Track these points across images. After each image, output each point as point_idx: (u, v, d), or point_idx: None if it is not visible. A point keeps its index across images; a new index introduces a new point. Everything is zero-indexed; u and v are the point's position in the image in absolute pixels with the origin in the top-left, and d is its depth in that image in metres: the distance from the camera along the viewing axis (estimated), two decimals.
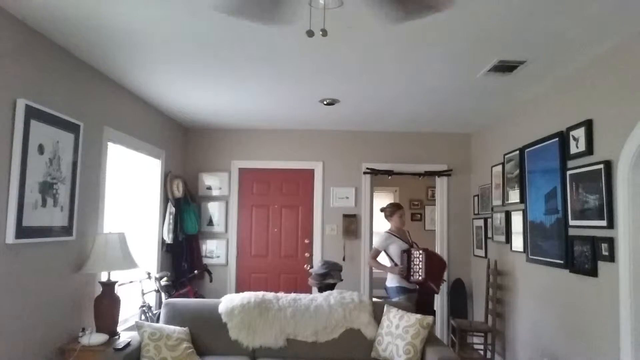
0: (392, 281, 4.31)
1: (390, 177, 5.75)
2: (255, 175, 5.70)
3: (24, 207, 2.65)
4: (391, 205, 4.50)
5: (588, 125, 3.13)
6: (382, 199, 8.89)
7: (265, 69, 3.49)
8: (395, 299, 4.11)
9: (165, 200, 4.91)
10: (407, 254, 4.18)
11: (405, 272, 4.13)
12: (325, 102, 4.37)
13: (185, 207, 5.18)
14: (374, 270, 5.20)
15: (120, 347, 2.90)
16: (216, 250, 5.55)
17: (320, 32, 2.16)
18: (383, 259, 4.41)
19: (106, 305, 3.25)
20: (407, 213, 8.95)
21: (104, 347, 3.03)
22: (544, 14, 2.52)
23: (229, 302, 3.45)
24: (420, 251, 4.14)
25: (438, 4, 2.41)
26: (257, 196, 5.69)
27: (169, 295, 4.32)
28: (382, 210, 4.55)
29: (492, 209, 4.87)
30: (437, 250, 5.70)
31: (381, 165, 5.60)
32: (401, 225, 4.43)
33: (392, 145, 5.69)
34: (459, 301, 5.40)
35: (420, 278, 4.07)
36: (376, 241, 4.48)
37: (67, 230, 3.09)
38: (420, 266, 4.09)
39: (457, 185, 5.64)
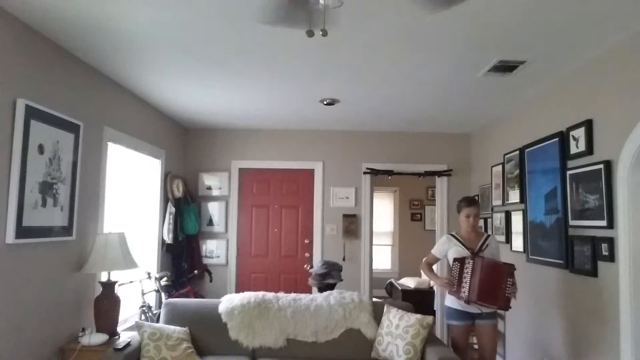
0: (446, 299, 3.49)
1: (390, 177, 5.75)
2: (255, 175, 5.70)
3: (24, 207, 2.65)
4: (461, 199, 3.57)
5: (588, 125, 3.13)
6: (382, 199, 8.90)
7: (265, 69, 3.49)
8: (449, 322, 3.47)
9: (165, 200, 4.91)
10: (459, 263, 3.28)
11: (454, 287, 3.26)
12: (325, 102, 4.37)
13: (185, 207, 5.18)
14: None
15: (120, 347, 2.90)
16: (216, 250, 5.55)
17: (320, 32, 2.16)
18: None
19: (106, 305, 3.25)
20: (407, 213, 8.96)
21: (104, 347, 3.03)
22: (544, 13, 2.52)
23: (229, 302, 3.46)
24: (470, 260, 3.24)
25: None
26: (257, 196, 5.69)
27: (169, 295, 4.32)
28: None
29: (492, 209, 4.87)
30: None
31: (381, 165, 5.61)
32: (468, 226, 3.44)
33: (392, 145, 5.69)
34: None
35: (464, 295, 3.19)
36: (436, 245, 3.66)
37: (67, 230, 3.09)
38: (468, 279, 3.19)
39: (457, 185, 5.64)
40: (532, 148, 3.94)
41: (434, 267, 3.70)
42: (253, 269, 5.62)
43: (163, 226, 4.84)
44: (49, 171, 2.88)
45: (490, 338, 3.36)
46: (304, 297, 3.56)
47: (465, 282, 3.19)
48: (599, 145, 3.04)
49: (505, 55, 3.13)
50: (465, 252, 3.36)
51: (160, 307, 3.70)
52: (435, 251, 3.58)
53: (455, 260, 3.33)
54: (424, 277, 7.23)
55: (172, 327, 3.21)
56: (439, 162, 5.67)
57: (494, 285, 3.14)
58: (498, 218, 4.66)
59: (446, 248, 3.49)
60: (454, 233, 3.55)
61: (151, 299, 4.48)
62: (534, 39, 2.86)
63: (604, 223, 2.90)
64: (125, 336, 3.22)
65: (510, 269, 3.18)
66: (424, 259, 3.65)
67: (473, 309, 3.30)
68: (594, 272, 3.01)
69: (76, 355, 3.01)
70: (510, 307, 3.16)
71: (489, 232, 4.94)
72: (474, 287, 3.15)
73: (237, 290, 5.42)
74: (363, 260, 5.54)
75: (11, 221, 2.55)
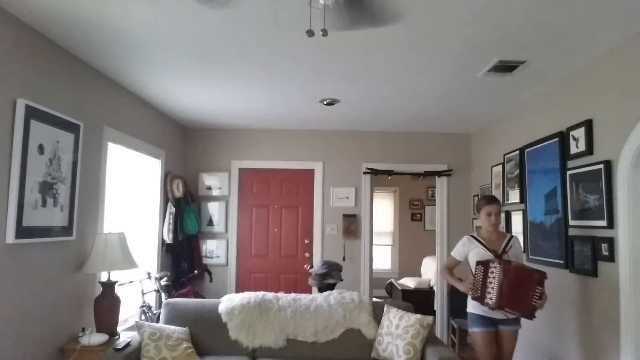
0: (468, 305, 3.28)
1: (390, 177, 5.75)
2: (255, 175, 5.70)
3: (24, 207, 2.64)
4: (481, 198, 3.33)
5: (588, 125, 3.13)
6: (382, 199, 8.90)
7: (265, 69, 3.49)
8: (471, 330, 3.25)
9: (165, 200, 4.91)
10: (482, 266, 3.08)
11: (478, 292, 3.06)
12: (325, 102, 4.37)
13: (185, 207, 5.18)
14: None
15: (120, 347, 2.90)
16: (216, 250, 5.55)
17: (321, 32, 2.17)
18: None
19: (106, 305, 3.25)
20: (407, 213, 8.96)
21: (104, 347, 3.03)
22: (544, 14, 2.52)
23: (229, 302, 3.46)
24: (496, 264, 3.02)
25: (383, 19, 2.50)
26: (257, 196, 5.69)
27: (169, 295, 4.32)
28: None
29: None
30: (437, 251, 5.68)
31: (381, 165, 5.60)
32: (490, 225, 3.24)
33: (392, 145, 5.69)
34: (459, 301, 5.39)
35: (491, 302, 2.99)
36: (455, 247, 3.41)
37: (67, 230, 3.09)
38: (494, 285, 2.98)
39: (457, 185, 5.64)
40: (532, 148, 3.94)
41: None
42: (253, 269, 5.62)
43: (163, 226, 4.84)
44: (49, 171, 2.88)
45: (511, 344, 3.20)
46: (304, 297, 3.56)
47: (492, 288, 2.99)
48: (599, 145, 3.04)
49: (505, 55, 3.13)
50: (487, 254, 3.15)
51: (160, 307, 3.70)
52: (455, 253, 3.34)
53: (478, 263, 3.11)
54: (424, 277, 7.23)
55: (172, 327, 3.21)
56: (439, 162, 5.67)
57: (522, 292, 2.94)
58: None
59: (467, 250, 3.27)
60: (474, 234, 3.33)
61: (151, 299, 4.48)
62: (534, 39, 2.86)
63: (604, 223, 2.90)
64: (125, 336, 3.22)
65: (541, 277, 2.96)
66: (444, 263, 3.40)
67: (498, 314, 3.11)
68: (594, 272, 3.01)
69: (76, 355, 3.01)
70: (535, 317, 2.98)
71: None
72: (502, 293, 2.94)
73: (237, 290, 5.42)
74: (363, 260, 5.54)
75: (11, 221, 2.55)
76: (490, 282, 3.00)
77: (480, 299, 3.05)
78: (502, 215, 4.49)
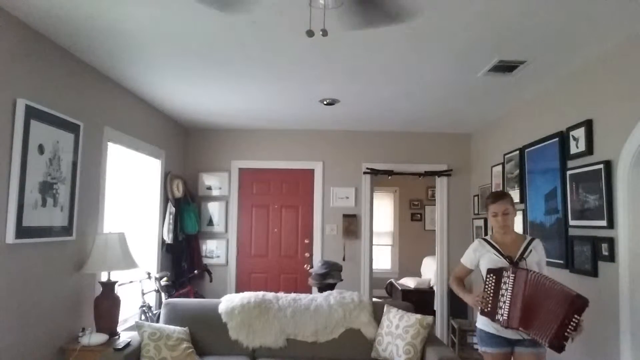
0: (477, 320, 2.80)
1: (390, 177, 5.75)
2: (255, 175, 5.70)
3: (24, 207, 2.65)
4: (487, 195, 2.90)
5: (588, 125, 3.13)
6: (382, 199, 8.90)
7: (265, 69, 3.49)
8: (481, 350, 2.76)
9: (165, 200, 4.91)
10: (494, 275, 2.61)
11: (489, 306, 2.59)
12: (325, 102, 4.37)
13: (185, 207, 5.18)
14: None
15: (120, 347, 2.90)
16: (216, 250, 5.55)
17: (321, 32, 2.17)
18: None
19: (106, 305, 3.25)
20: (407, 213, 8.96)
21: (104, 347, 3.03)
22: (544, 13, 2.52)
23: (229, 302, 3.46)
24: (509, 272, 2.54)
25: (398, 15, 2.45)
26: (257, 196, 5.69)
27: (169, 295, 4.32)
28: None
29: None
30: (437, 251, 5.68)
31: (381, 165, 5.60)
32: (499, 227, 2.77)
33: (392, 145, 5.69)
34: (459, 301, 5.39)
35: (502, 318, 2.51)
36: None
37: (67, 230, 3.09)
38: (507, 298, 2.51)
39: (457, 185, 5.64)
40: (532, 148, 3.94)
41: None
42: (253, 269, 5.62)
43: (163, 226, 4.84)
44: (49, 171, 2.88)
45: None
46: (304, 297, 3.56)
47: (503, 302, 2.51)
48: (599, 145, 3.04)
49: (505, 55, 3.13)
50: (501, 261, 2.68)
51: (160, 307, 3.71)
52: (465, 260, 2.88)
53: (489, 271, 2.65)
54: (424, 277, 7.23)
55: (172, 327, 3.21)
56: (439, 162, 5.67)
57: (546, 312, 2.40)
58: None
59: (478, 256, 2.80)
60: (487, 237, 2.85)
61: (151, 299, 4.49)
62: (534, 39, 2.86)
63: (604, 223, 2.90)
64: (125, 336, 3.22)
65: (583, 303, 2.36)
66: (453, 273, 2.98)
67: (513, 334, 2.61)
68: (594, 272, 3.01)
69: (76, 355, 3.01)
70: (564, 350, 2.36)
71: (489, 233, 4.88)
72: (515, 309, 2.47)
73: (237, 290, 5.42)
74: (363, 260, 5.54)
75: (11, 221, 2.55)
76: (502, 295, 2.53)
77: (491, 314, 2.58)
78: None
